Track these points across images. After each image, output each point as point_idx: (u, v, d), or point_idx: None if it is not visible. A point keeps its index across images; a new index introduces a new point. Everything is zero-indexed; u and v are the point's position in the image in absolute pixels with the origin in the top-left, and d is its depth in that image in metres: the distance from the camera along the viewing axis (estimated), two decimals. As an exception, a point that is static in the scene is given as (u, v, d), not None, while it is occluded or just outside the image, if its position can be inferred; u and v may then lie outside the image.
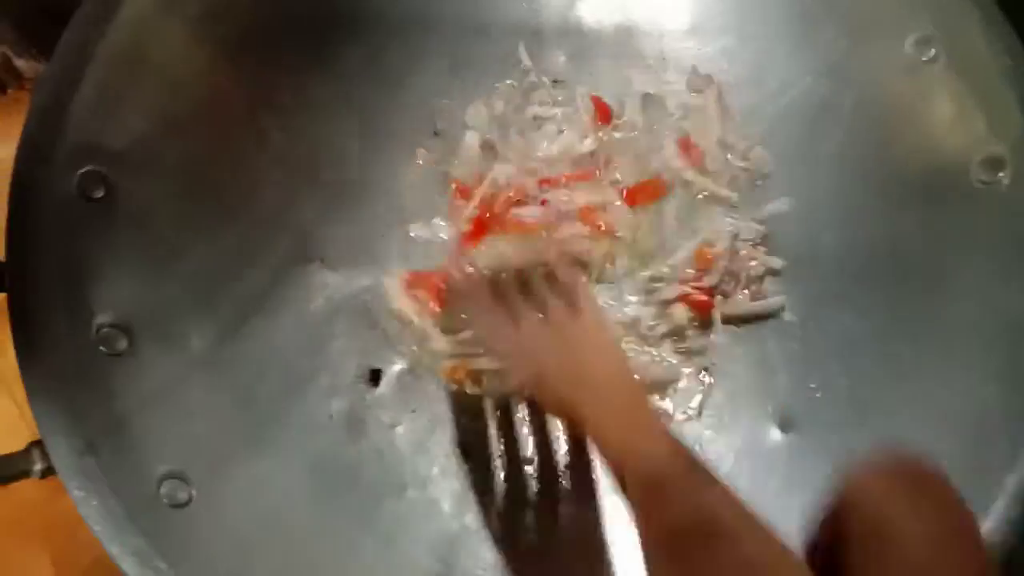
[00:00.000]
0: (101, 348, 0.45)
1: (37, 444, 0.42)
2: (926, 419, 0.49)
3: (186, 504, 0.44)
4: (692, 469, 0.37)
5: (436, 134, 0.61)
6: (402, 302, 0.56)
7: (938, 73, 0.52)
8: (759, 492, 0.50)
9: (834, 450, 0.50)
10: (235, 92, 0.54)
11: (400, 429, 0.54)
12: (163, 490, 0.43)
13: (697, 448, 0.53)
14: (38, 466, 0.42)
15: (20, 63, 0.84)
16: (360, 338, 0.56)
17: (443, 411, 0.54)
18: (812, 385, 0.53)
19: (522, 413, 0.54)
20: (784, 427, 0.53)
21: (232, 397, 0.50)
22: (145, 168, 0.49)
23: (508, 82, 0.61)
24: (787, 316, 0.56)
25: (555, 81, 0.62)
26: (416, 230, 0.59)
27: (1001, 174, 0.49)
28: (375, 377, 0.55)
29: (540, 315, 0.46)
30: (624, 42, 0.61)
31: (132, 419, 0.44)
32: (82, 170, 0.47)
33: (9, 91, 0.87)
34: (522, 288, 0.48)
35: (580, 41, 0.61)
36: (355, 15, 0.58)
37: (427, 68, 0.60)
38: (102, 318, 0.45)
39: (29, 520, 0.72)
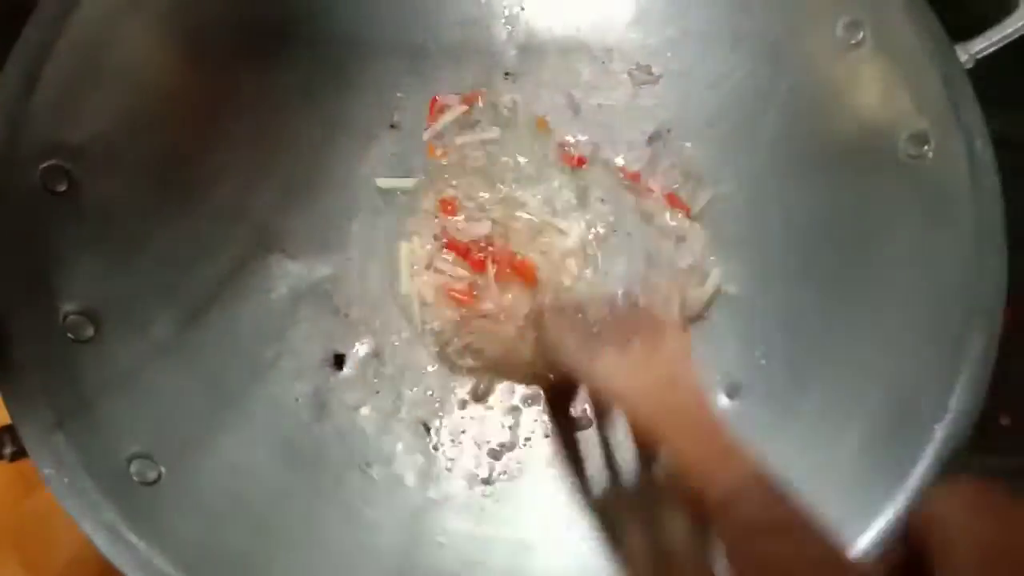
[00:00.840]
0: (68, 335, 0.46)
1: (6, 429, 0.43)
2: (863, 381, 0.52)
3: (155, 482, 0.45)
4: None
5: (392, 127, 0.63)
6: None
7: (866, 55, 0.55)
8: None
9: (777, 411, 0.53)
10: (195, 88, 0.56)
11: (364, 410, 0.55)
12: (132, 468, 0.44)
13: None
14: (8, 449, 0.43)
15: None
16: (323, 324, 0.57)
17: (407, 392, 0.56)
18: (757, 354, 0.56)
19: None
20: (731, 394, 0.56)
21: (198, 381, 0.51)
22: (107, 162, 0.50)
23: (458, 73, 0.63)
24: (733, 291, 0.58)
25: (507, 74, 0.64)
26: (372, 221, 0.61)
27: (926, 148, 0.52)
28: (339, 361, 0.57)
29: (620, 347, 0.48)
30: (571, 35, 0.63)
31: (100, 402, 0.45)
32: (45, 164, 0.48)
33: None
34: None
35: (528, 35, 0.64)
36: (311, 14, 0.59)
37: (382, 64, 0.62)
38: (68, 306, 0.47)
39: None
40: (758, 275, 0.58)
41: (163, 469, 0.45)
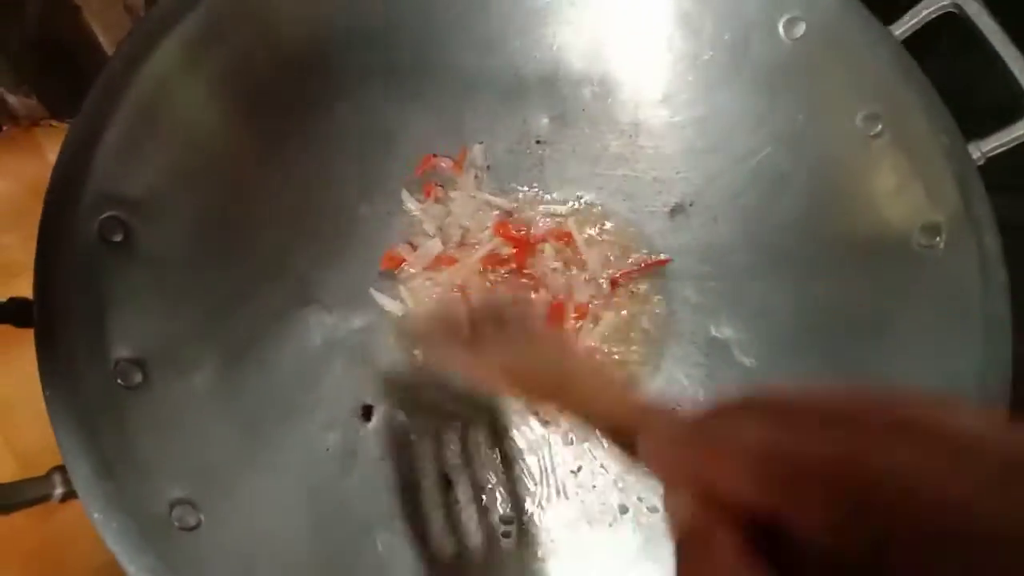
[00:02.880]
0: (119, 381, 0.48)
1: (58, 469, 0.45)
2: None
3: (195, 528, 0.47)
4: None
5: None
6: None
7: (884, 147, 0.58)
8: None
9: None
10: (244, 146, 0.59)
11: (390, 462, 0.57)
12: (174, 514, 0.46)
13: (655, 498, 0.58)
14: (58, 490, 0.45)
15: (12, 100, 0.88)
16: (353, 375, 0.60)
17: (428, 446, 0.59)
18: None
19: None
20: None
21: (235, 428, 0.53)
22: (159, 215, 0.53)
23: (492, 139, 0.67)
24: (748, 363, 0.61)
25: (538, 141, 0.67)
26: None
27: (938, 239, 0.55)
28: (367, 413, 0.59)
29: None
30: (601, 108, 0.67)
31: (145, 447, 0.47)
32: (103, 216, 0.50)
33: (4, 128, 0.90)
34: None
35: (562, 106, 0.67)
36: (353, 85, 0.62)
37: (417, 123, 0.65)
38: (119, 353, 0.49)
39: (8, 550, 0.73)
40: (773, 350, 0.61)
41: (203, 516, 0.47)
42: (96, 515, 0.43)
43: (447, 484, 0.57)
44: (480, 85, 0.65)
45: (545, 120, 0.67)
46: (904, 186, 0.57)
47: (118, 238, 0.51)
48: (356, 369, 0.60)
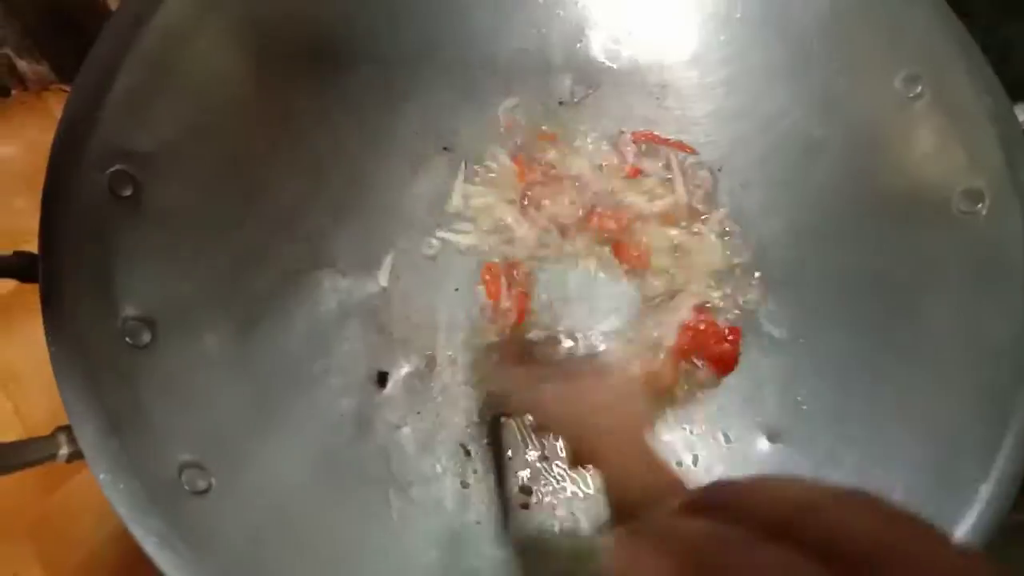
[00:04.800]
0: (127, 339, 0.46)
1: (63, 429, 0.44)
2: (906, 431, 0.52)
3: (205, 491, 0.45)
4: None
5: (445, 149, 0.64)
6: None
7: (924, 110, 0.55)
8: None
9: (819, 458, 0.54)
10: (256, 101, 0.56)
11: (406, 429, 0.56)
12: (184, 477, 0.45)
13: (689, 457, 0.56)
14: (64, 450, 0.43)
15: (22, 65, 0.86)
16: (368, 341, 0.58)
17: (447, 413, 0.57)
18: (799, 398, 0.56)
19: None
20: (772, 438, 0.56)
21: (248, 392, 0.51)
22: (170, 170, 0.51)
23: (513, 101, 0.64)
24: (777, 334, 0.59)
25: (560, 102, 0.65)
26: (421, 244, 0.62)
27: (980, 205, 0.53)
28: (382, 379, 0.57)
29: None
30: (628, 70, 0.64)
31: (154, 408, 0.46)
32: (111, 169, 0.48)
33: (13, 93, 0.88)
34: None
35: (585, 66, 0.64)
36: (373, 35, 0.60)
37: (437, 88, 0.63)
38: (128, 311, 0.47)
39: (14, 519, 0.72)
40: (802, 320, 0.58)
41: (213, 480, 0.46)
42: (102, 475, 0.42)
43: (466, 454, 0.56)
44: (500, 44, 0.63)
45: (568, 81, 0.65)
46: (945, 150, 0.55)
47: (127, 192, 0.49)
48: (371, 335, 0.58)
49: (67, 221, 0.46)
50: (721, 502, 0.29)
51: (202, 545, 0.42)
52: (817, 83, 0.60)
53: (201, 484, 0.45)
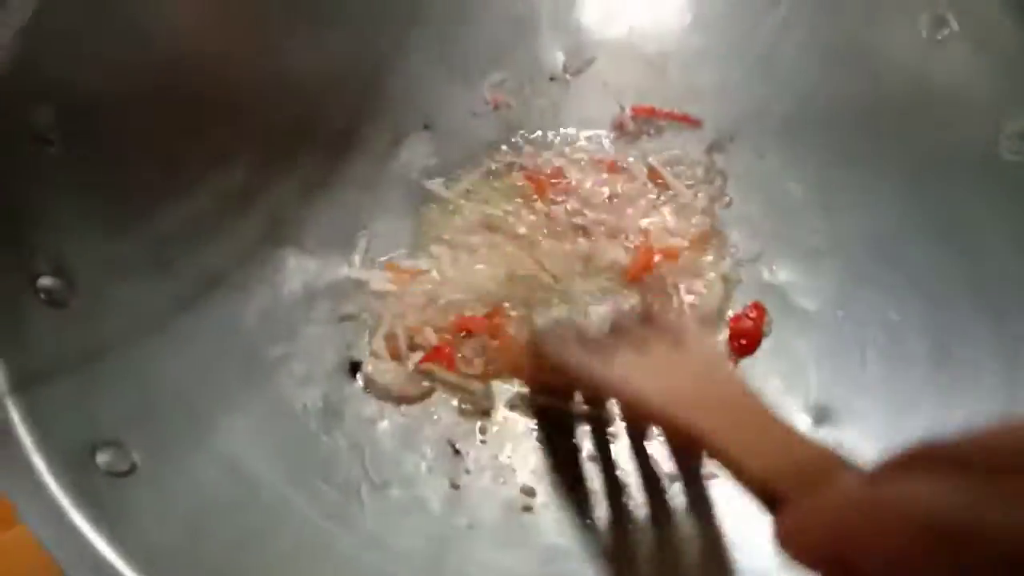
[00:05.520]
0: (40, 295, 0.38)
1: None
2: (966, 404, 0.44)
3: (126, 473, 0.36)
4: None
5: (426, 127, 0.58)
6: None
7: (954, 51, 0.49)
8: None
9: (873, 440, 0.45)
10: (214, 60, 0.50)
11: (384, 424, 0.47)
12: (99, 455, 0.35)
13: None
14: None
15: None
16: (338, 327, 0.50)
17: (431, 407, 0.48)
18: (845, 374, 0.48)
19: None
20: (819, 420, 0.47)
21: (190, 371, 0.43)
22: (109, 119, 0.44)
23: (500, 75, 0.59)
24: (810, 307, 0.51)
25: (551, 78, 0.59)
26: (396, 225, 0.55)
27: (1032, 145, 0.47)
28: (355, 369, 0.49)
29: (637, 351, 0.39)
30: (623, 39, 0.59)
31: (68, 376, 0.37)
32: (40, 112, 0.41)
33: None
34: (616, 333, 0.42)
35: (577, 37, 0.59)
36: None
37: (421, 60, 0.57)
38: (45, 266, 0.39)
39: None
40: (836, 291, 0.51)
41: (137, 460, 0.36)
42: (-7, 441, 0.33)
43: (455, 452, 0.46)
44: (484, 14, 0.58)
45: (560, 54, 0.59)
46: (984, 91, 0.49)
47: (54, 137, 0.42)
48: (342, 321, 0.50)
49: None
50: (941, 458, 0.23)
51: (119, 534, 0.33)
52: (834, 38, 0.54)
53: (121, 465, 0.36)
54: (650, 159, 0.58)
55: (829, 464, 0.28)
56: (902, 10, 0.52)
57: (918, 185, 0.50)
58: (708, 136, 0.58)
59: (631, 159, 0.58)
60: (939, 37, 0.50)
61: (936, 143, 0.50)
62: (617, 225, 0.55)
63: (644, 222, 0.55)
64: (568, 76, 0.59)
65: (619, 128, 0.59)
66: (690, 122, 0.58)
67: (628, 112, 0.59)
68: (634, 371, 0.38)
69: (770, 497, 0.29)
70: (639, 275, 0.53)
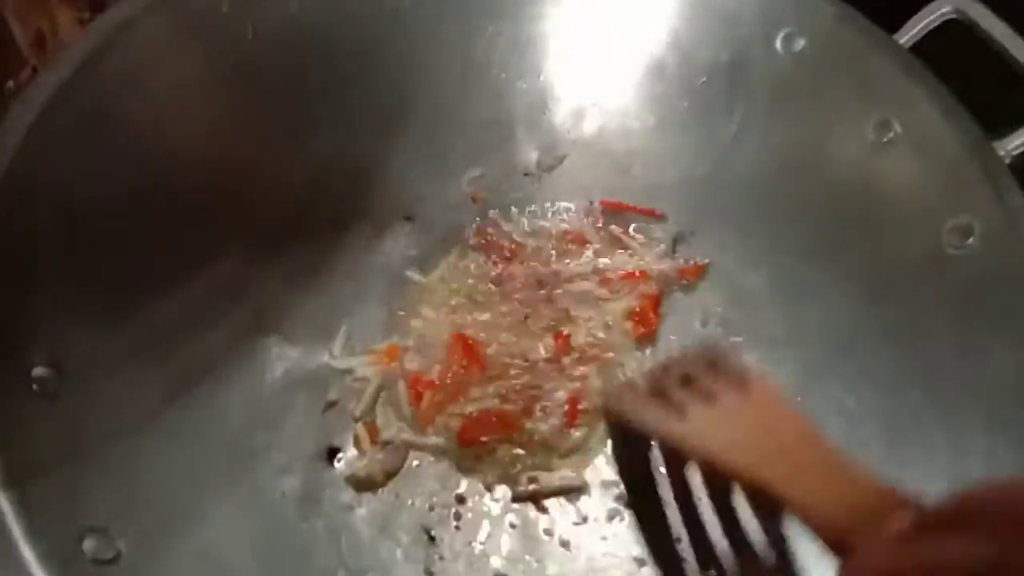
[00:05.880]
0: (34, 387, 0.40)
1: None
2: (927, 480, 0.46)
3: (111, 561, 0.37)
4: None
5: (407, 219, 0.61)
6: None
7: (900, 153, 0.53)
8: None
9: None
10: (206, 161, 0.53)
11: (361, 510, 0.48)
12: (86, 544, 0.37)
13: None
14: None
15: None
16: (318, 415, 0.52)
17: (407, 492, 0.49)
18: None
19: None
20: (780, 505, 0.49)
21: (175, 462, 0.44)
22: (108, 217, 0.46)
23: (478, 171, 0.62)
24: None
25: (526, 174, 0.63)
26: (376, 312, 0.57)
27: (970, 239, 0.50)
28: (333, 455, 0.50)
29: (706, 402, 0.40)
30: (594, 140, 0.63)
31: (58, 466, 0.38)
32: (38, 208, 0.44)
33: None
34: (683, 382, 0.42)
35: (551, 136, 0.63)
36: (337, 96, 0.58)
37: (403, 157, 0.60)
38: (39, 358, 0.41)
39: None
40: (800, 377, 0.53)
41: (122, 548, 0.38)
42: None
43: (430, 539, 0.48)
44: (466, 113, 0.61)
45: (534, 153, 0.63)
46: (926, 190, 0.52)
47: (50, 233, 0.44)
48: (321, 409, 0.52)
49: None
50: (973, 513, 0.26)
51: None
52: (788, 140, 0.58)
53: (107, 553, 0.37)
54: (612, 226, 0.62)
55: (888, 505, 0.30)
56: (850, 116, 0.56)
57: (870, 279, 0.53)
58: (672, 229, 0.61)
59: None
60: (885, 140, 0.54)
61: (885, 239, 0.54)
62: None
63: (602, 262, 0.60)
64: (541, 172, 0.63)
65: (588, 217, 0.62)
66: (655, 216, 0.62)
67: (597, 205, 0.62)
68: (707, 425, 0.39)
69: (837, 542, 0.31)
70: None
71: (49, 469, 0.38)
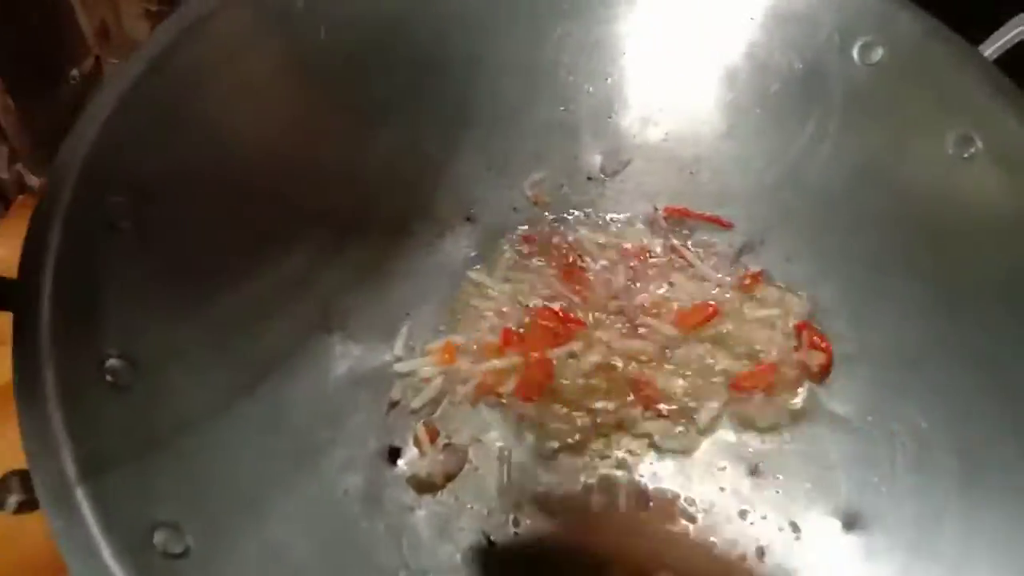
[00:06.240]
0: (107, 378, 0.40)
1: (16, 473, 0.36)
2: (1008, 511, 0.44)
3: (181, 556, 0.37)
4: None
5: (468, 219, 0.60)
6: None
7: (982, 169, 0.52)
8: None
9: (911, 551, 0.45)
10: (275, 156, 0.53)
11: (421, 512, 0.48)
12: (157, 538, 0.37)
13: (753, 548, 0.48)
14: (14, 498, 0.36)
15: (31, 179, 0.84)
16: (380, 413, 0.51)
17: (466, 496, 0.49)
18: (875, 480, 0.49)
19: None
20: (848, 526, 0.48)
21: (242, 456, 0.44)
22: (178, 211, 0.47)
23: (541, 175, 0.62)
24: (843, 411, 0.52)
25: (589, 178, 0.62)
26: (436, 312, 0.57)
27: (1057, 260, 0.48)
28: (394, 455, 0.50)
29: None
30: (660, 145, 0.62)
31: (131, 459, 0.39)
32: (111, 198, 0.44)
33: (20, 197, 0.85)
34: None
35: (615, 141, 0.62)
36: (405, 94, 0.57)
37: (463, 157, 0.60)
38: (113, 349, 0.41)
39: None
40: (870, 394, 0.52)
41: (191, 543, 0.38)
42: (58, 523, 0.34)
43: (489, 543, 0.47)
44: (530, 116, 0.61)
45: (598, 156, 0.62)
46: (1009, 207, 0.51)
47: (125, 224, 0.44)
48: (383, 407, 0.52)
49: (53, 243, 0.41)
50: None
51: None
52: (862, 152, 0.57)
53: (177, 547, 0.37)
54: (672, 240, 0.61)
55: None
56: (928, 129, 0.54)
57: (945, 298, 0.52)
58: (739, 239, 0.60)
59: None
60: (965, 155, 0.53)
61: (964, 255, 0.52)
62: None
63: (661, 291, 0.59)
64: (605, 177, 0.62)
65: (651, 226, 0.61)
66: (721, 224, 0.61)
67: (661, 212, 0.61)
68: None
69: None
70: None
71: (122, 461, 0.38)
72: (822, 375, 0.54)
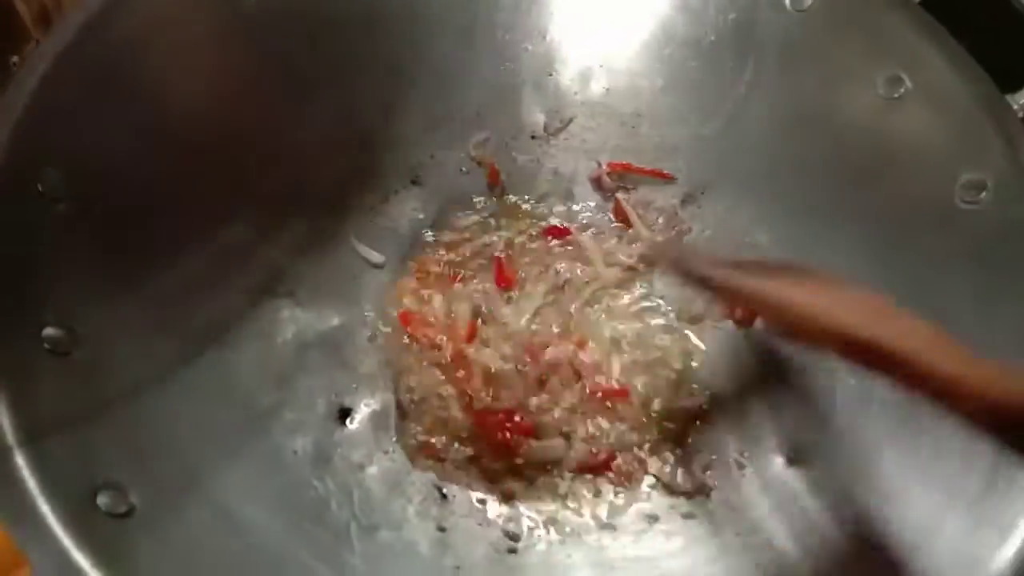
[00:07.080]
0: (45, 346, 0.40)
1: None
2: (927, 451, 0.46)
3: (125, 515, 0.37)
4: None
5: (413, 182, 0.60)
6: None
7: (910, 108, 0.53)
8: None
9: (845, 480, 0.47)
10: (213, 127, 0.53)
11: (372, 469, 0.49)
12: (100, 498, 0.37)
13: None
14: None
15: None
16: (329, 376, 0.52)
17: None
18: (817, 417, 0.50)
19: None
20: (791, 461, 0.49)
21: (189, 420, 0.44)
22: (114, 181, 0.47)
23: (484, 135, 0.62)
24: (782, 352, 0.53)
25: (533, 136, 0.63)
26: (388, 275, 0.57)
27: (983, 194, 0.49)
28: (344, 415, 0.51)
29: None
30: (601, 101, 0.62)
31: (72, 424, 0.39)
32: (47, 170, 0.44)
33: None
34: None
35: (556, 99, 0.62)
36: (333, 63, 0.57)
37: (409, 121, 0.60)
38: (50, 317, 0.41)
39: None
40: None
41: (136, 502, 0.38)
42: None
43: (442, 497, 0.48)
44: (467, 80, 0.61)
45: (541, 115, 0.63)
46: (938, 145, 0.52)
47: (60, 196, 0.44)
48: (332, 369, 0.52)
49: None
50: None
51: (115, 572, 0.34)
52: (797, 98, 0.58)
53: (120, 507, 0.38)
54: (618, 194, 0.61)
55: None
56: (859, 72, 0.55)
57: (881, 235, 0.53)
58: (681, 190, 0.61)
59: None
60: (895, 95, 0.54)
61: (896, 195, 0.53)
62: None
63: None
64: (548, 135, 0.63)
65: (596, 182, 0.62)
66: (664, 177, 0.61)
67: (605, 168, 0.62)
68: (797, 291, 0.40)
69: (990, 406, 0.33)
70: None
71: (63, 426, 0.39)
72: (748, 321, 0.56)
